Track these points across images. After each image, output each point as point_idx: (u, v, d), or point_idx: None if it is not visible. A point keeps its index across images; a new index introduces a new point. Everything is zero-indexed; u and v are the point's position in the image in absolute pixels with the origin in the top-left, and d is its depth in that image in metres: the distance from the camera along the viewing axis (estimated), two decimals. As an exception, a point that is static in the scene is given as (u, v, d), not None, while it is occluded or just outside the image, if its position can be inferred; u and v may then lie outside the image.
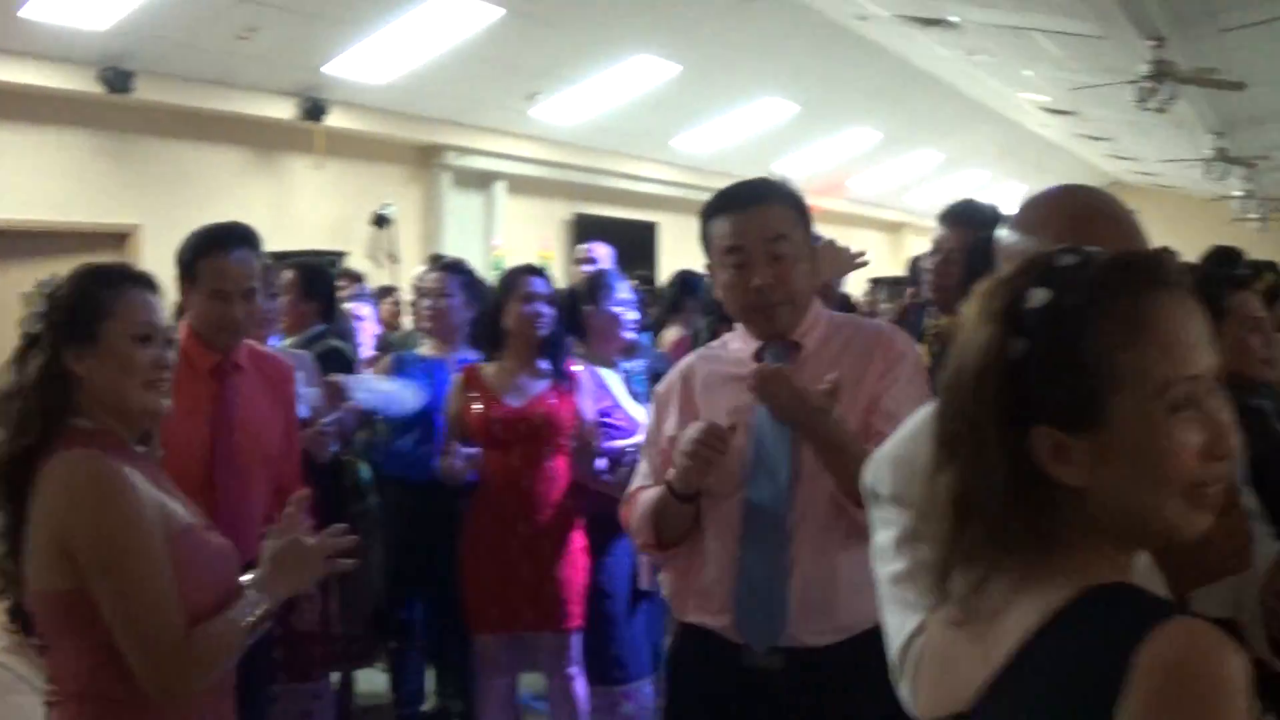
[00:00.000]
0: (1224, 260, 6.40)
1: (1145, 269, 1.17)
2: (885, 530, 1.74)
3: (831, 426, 2.42)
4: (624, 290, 5.07)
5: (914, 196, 19.72)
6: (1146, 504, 1.14)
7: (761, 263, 2.57)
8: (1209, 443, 1.14)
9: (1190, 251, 10.34)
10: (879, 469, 1.76)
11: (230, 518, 3.32)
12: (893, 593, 1.66)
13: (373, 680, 5.70)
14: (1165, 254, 1.27)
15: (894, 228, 21.58)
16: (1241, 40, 10.75)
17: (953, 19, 10.70)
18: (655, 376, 5.74)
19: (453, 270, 5.39)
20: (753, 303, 2.59)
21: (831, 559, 2.45)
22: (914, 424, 1.77)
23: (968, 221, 3.46)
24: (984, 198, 12.64)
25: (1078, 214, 1.69)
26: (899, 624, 1.60)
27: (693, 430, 2.52)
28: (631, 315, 5.09)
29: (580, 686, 4.59)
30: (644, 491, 2.70)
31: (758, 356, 2.66)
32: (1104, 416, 1.12)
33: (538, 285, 4.56)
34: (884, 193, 19.08)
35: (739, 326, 2.80)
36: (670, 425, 2.76)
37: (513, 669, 4.70)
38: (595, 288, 5.02)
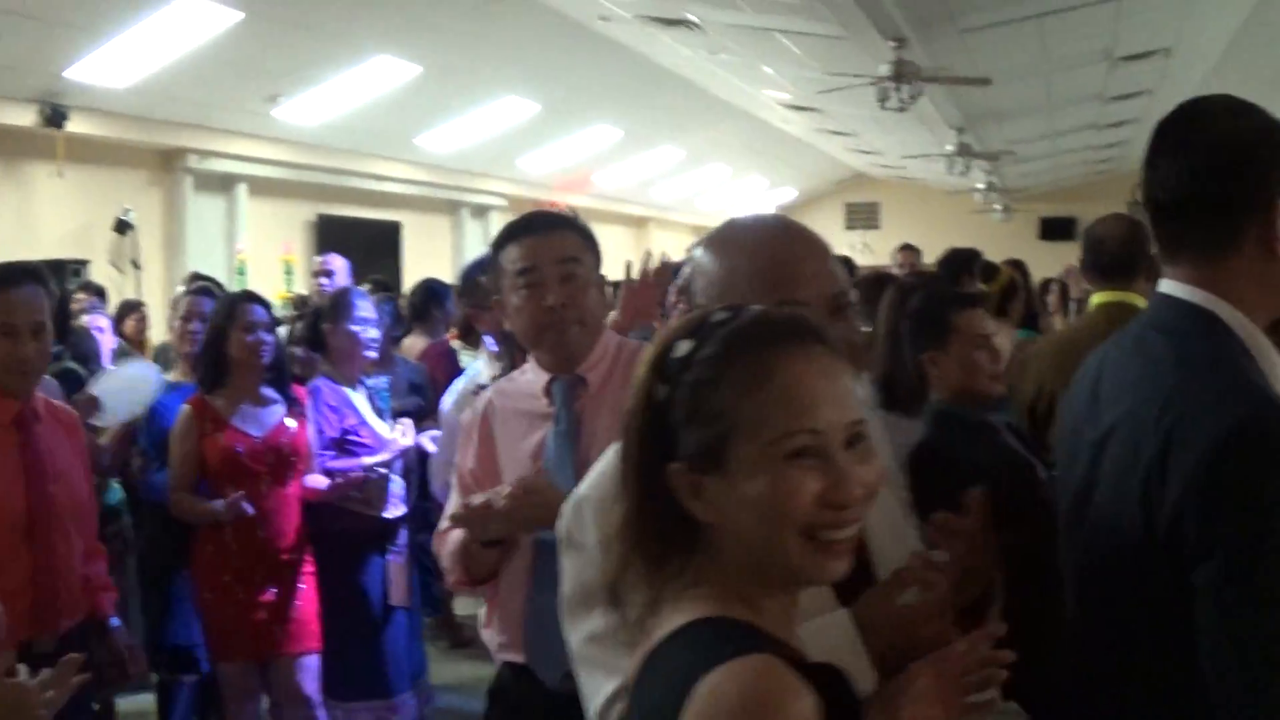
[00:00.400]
0: (960, 262, 7.49)
1: (780, 327, 1.54)
2: (572, 579, 2.05)
3: None
4: (365, 308, 5.66)
5: (658, 191, 22.36)
6: (769, 543, 1.49)
7: (554, 282, 3.02)
8: (826, 491, 1.48)
9: (934, 242, 13.20)
10: (577, 512, 2.05)
11: (49, 575, 3.71)
12: (588, 652, 1.98)
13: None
14: (801, 315, 1.59)
15: (639, 222, 24.00)
16: (981, 40, 12.60)
17: (694, 20, 12.18)
18: (412, 387, 6.45)
19: (209, 294, 6.13)
20: (545, 322, 3.05)
21: None
22: (605, 462, 2.07)
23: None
24: (727, 190, 15.83)
25: (777, 253, 2.06)
26: (596, 686, 1.92)
27: (510, 487, 2.91)
28: (372, 333, 5.65)
29: (321, 714, 5.21)
30: (453, 532, 3.13)
31: (547, 390, 3.14)
32: (730, 460, 1.48)
33: (258, 314, 5.17)
34: (628, 188, 21.36)
35: (531, 358, 3.20)
36: (469, 459, 3.25)
37: (257, 694, 5.23)
38: (335, 306, 5.71)
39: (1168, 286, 2.08)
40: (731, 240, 2.16)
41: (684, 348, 1.56)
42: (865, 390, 4.21)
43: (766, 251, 2.08)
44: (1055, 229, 27.64)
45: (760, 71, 15.05)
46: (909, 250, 8.95)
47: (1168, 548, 1.86)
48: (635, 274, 4.69)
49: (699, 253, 2.15)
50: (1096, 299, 4.67)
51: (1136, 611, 1.97)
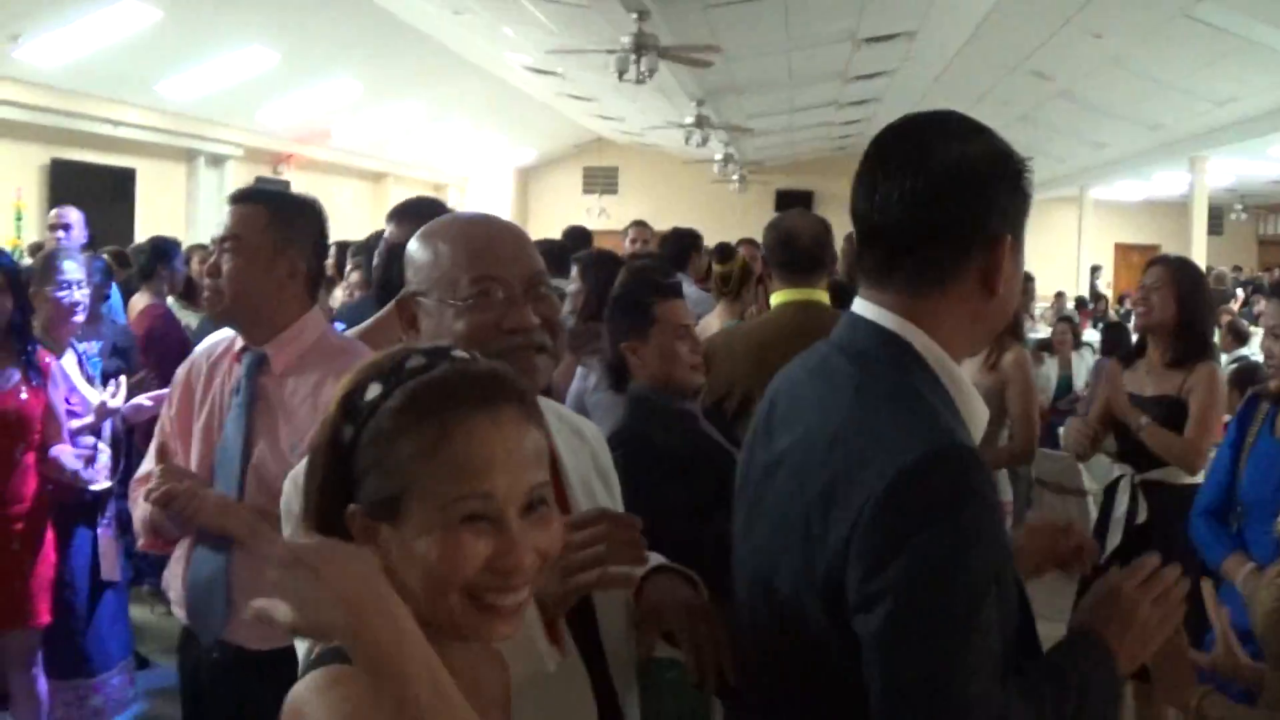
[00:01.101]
0: (682, 243, 7.76)
1: (468, 386, 1.51)
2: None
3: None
4: (71, 270, 5.49)
5: (397, 147, 22.14)
6: (432, 601, 1.47)
7: (218, 257, 3.18)
8: (495, 556, 1.47)
9: (671, 209, 13.85)
10: (295, 485, 2.00)
11: None
12: None
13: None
14: (496, 371, 1.55)
15: (377, 177, 23.71)
16: (724, 16, 12.78)
17: None
18: (115, 350, 6.18)
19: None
20: (209, 297, 3.23)
21: None
22: None
23: (416, 217, 3.66)
24: (466, 149, 16.02)
25: (479, 238, 2.15)
26: (303, 648, 1.86)
27: (154, 480, 3.04)
28: (79, 295, 5.48)
29: (42, 684, 5.06)
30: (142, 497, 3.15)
31: (237, 358, 3.24)
32: (404, 513, 1.47)
33: None
34: (367, 143, 21.12)
35: None
36: (172, 406, 3.36)
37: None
38: (41, 270, 5.55)
39: (863, 308, 1.95)
40: (439, 230, 2.21)
41: (374, 391, 1.53)
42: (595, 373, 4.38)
43: (470, 237, 2.17)
44: (791, 201, 28.28)
45: (502, 33, 15.15)
46: (641, 226, 9.12)
47: (825, 590, 1.78)
48: None
49: (411, 245, 2.22)
50: (783, 296, 4.59)
51: (794, 645, 1.89)
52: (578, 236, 8.48)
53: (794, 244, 4.50)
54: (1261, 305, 6.61)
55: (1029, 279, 15.68)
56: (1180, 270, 5.07)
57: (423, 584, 1.48)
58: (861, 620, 1.73)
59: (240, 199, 3.27)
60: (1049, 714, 1.79)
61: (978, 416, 1.94)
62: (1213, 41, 12.95)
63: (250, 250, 3.14)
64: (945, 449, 1.75)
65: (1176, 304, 4.92)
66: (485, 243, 2.17)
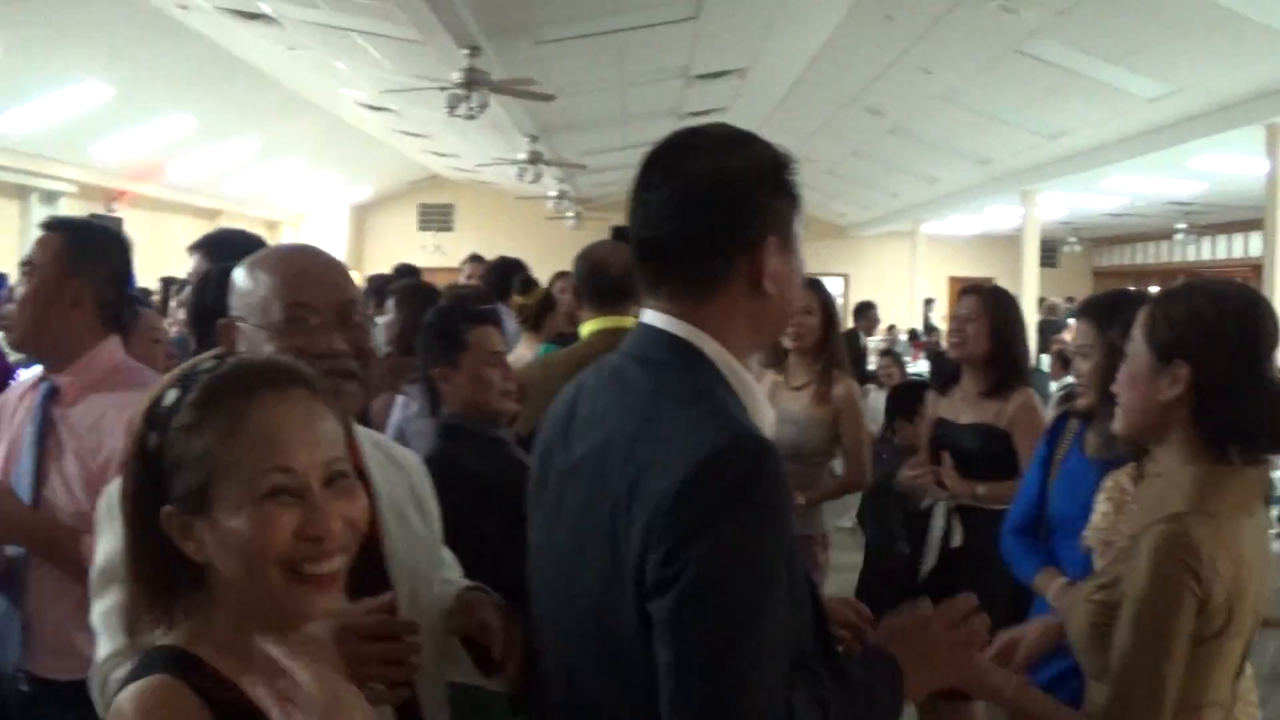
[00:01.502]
0: (505, 273, 7.75)
1: (257, 373, 1.62)
2: (100, 556, 2.18)
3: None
4: None
5: (231, 184, 21.86)
6: (252, 578, 1.56)
7: (20, 285, 3.21)
8: (303, 526, 1.56)
9: (507, 247, 13.33)
10: (109, 496, 2.13)
11: None
12: (102, 624, 2.12)
13: None
14: (281, 360, 1.72)
15: (212, 214, 22.97)
16: (556, 52, 12.84)
17: (272, 14, 12.12)
18: None
19: None
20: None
21: (73, 599, 2.70)
22: None
23: (214, 250, 3.92)
24: (301, 186, 15.78)
25: (295, 267, 2.26)
26: (104, 649, 2.07)
27: None
28: None
29: None
30: None
31: (35, 385, 3.26)
32: (214, 502, 1.55)
33: None
34: (201, 179, 20.69)
35: None
36: None
37: None
38: None
39: (650, 318, 2.02)
40: (260, 259, 2.31)
41: (171, 396, 1.62)
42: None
43: (287, 265, 2.29)
44: (628, 238, 28.46)
45: (336, 69, 15.07)
46: (476, 261, 9.13)
47: (634, 583, 1.82)
48: None
49: (235, 273, 2.30)
50: (594, 325, 4.61)
51: (605, 642, 1.92)
52: (407, 273, 8.52)
53: (604, 274, 4.51)
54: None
55: (871, 306, 15.87)
56: (994, 300, 5.14)
57: (241, 565, 1.57)
58: (656, 604, 1.78)
59: (43, 226, 3.27)
60: (832, 717, 1.86)
61: (765, 416, 2.00)
62: (1042, 76, 13.20)
63: (40, 277, 3.15)
64: (740, 439, 1.82)
65: (990, 334, 5.00)
66: (300, 271, 2.29)
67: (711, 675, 1.75)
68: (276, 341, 2.18)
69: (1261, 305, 2.41)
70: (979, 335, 5.00)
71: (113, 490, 2.07)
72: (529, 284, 7.24)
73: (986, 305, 5.06)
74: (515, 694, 2.25)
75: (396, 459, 2.41)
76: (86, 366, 3.16)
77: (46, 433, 3.13)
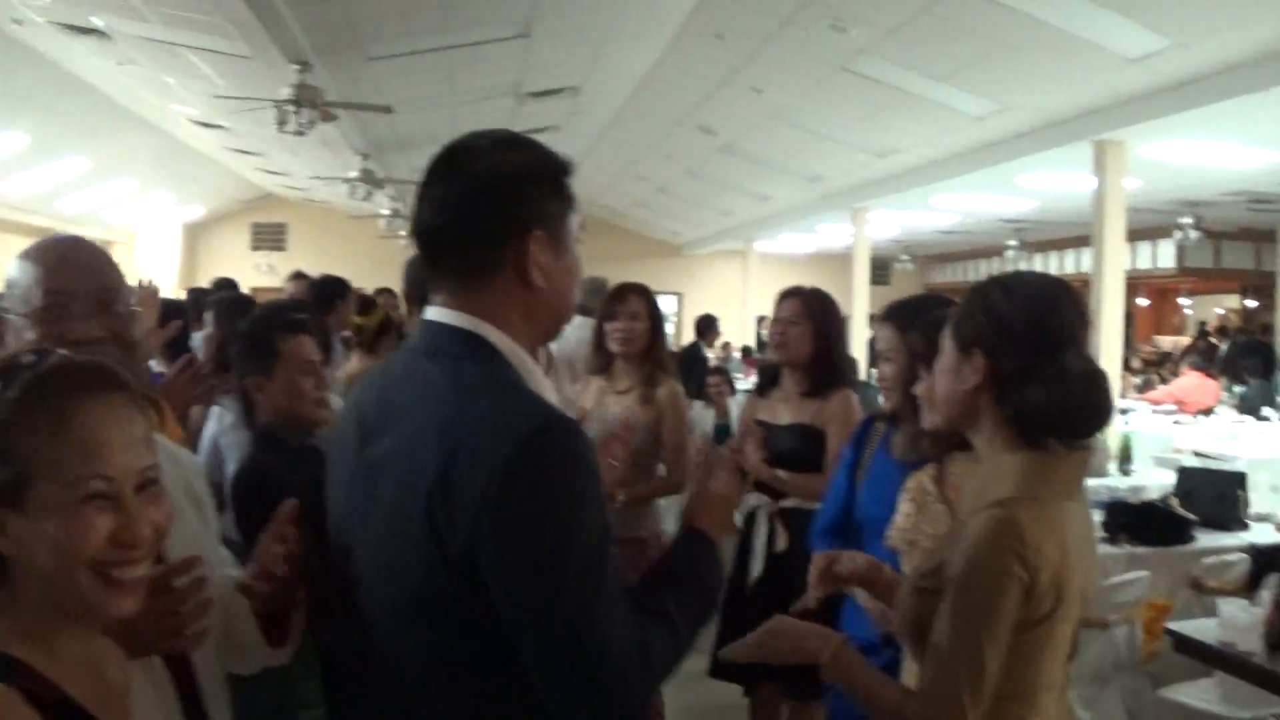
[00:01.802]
0: (329, 291, 7.71)
1: (80, 374, 1.63)
2: None
3: None
4: None
5: (65, 202, 21.60)
6: (61, 578, 1.58)
7: None
8: (117, 531, 1.59)
9: (340, 266, 13.39)
10: None
11: None
12: None
13: None
14: (102, 363, 1.71)
15: (44, 233, 22.37)
16: (388, 69, 12.86)
17: (104, 29, 11.99)
18: None
19: None
20: None
21: None
22: None
23: None
24: (134, 204, 15.51)
25: (57, 257, 2.38)
26: None
27: None
28: None
29: None
30: None
31: None
32: (30, 498, 1.56)
33: None
34: (33, 197, 20.45)
35: None
36: None
37: None
38: None
39: (435, 313, 2.15)
40: (28, 252, 2.44)
41: None
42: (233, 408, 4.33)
43: (48, 253, 2.43)
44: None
45: (168, 85, 14.90)
46: (300, 279, 9.07)
47: (462, 568, 1.92)
48: None
49: (10, 268, 2.44)
50: None
51: (430, 630, 2.02)
52: (225, 286, 8.58)
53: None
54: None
55: (714, 320, 15.99)
56: (815, 302, 5.28)
57: (52, 563, 1.59)
58: (499, 583, 1.91)
59: None
60: (681, 622, 2.06)
61: (553, 401, 2.11)
62: (871, 95, 13.35)
63: None
64: (553, 421, 1.96)
65: (813, 336, 5.15)
66: (59, 258, 2.43)
67: (574, 640, 1.89)
68: (38, 329, 2.29)
69: (1057, 294, 2.51)
70: (802, 338, 5.14)
71: None
72: (368, 304, 7.25)
73: (809, 307, 5.20)
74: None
75: (175, 456, 2.43)
76: None
77: None
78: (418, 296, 4.74)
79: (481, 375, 2.04)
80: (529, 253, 2.09)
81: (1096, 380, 2.45)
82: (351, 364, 6.76)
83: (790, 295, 5.37)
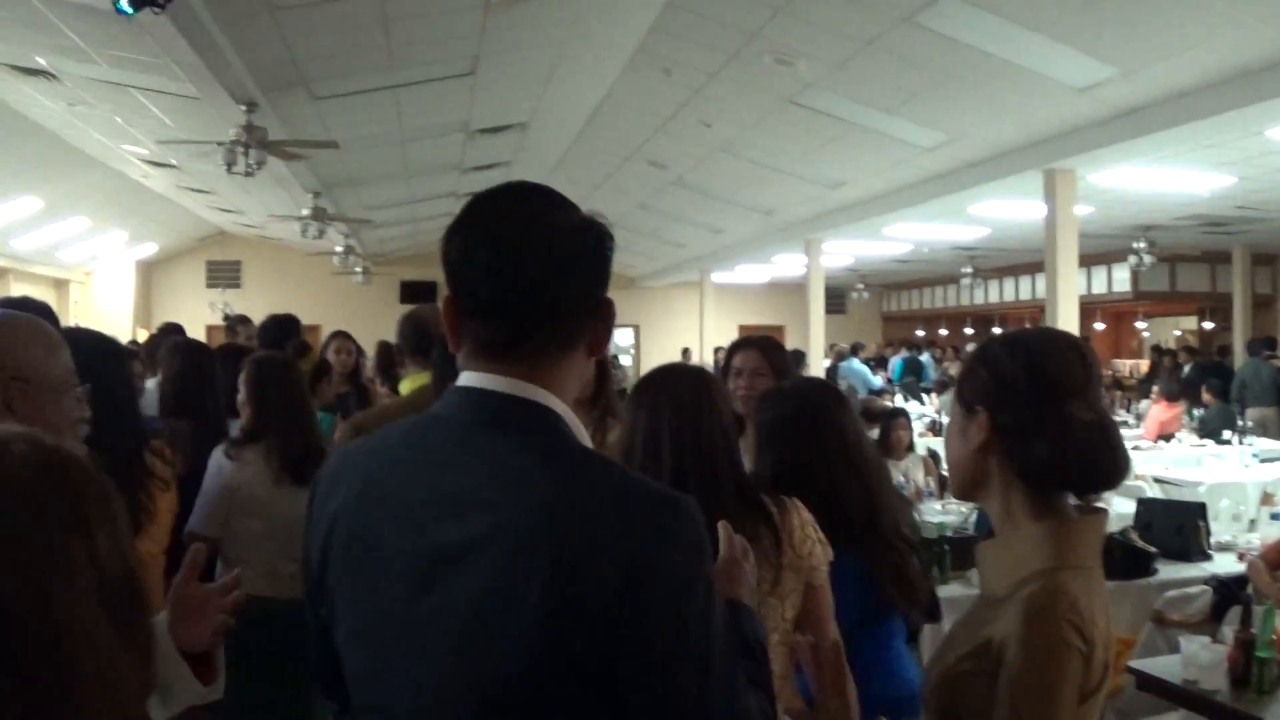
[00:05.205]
0: (280, 330, 7.81)
1: None
2: None
3: None
4: None
5: (17, 241, 21.43)
6: None
7: None
8: None
9: (296, 303, 13.60)
10: None
11: None
12: None
13: None
14: None
15: None
16: (334, 107, 12.78)
17: (51, 70, 11.90)
18: None
19: None
20: None
21: None
22: None
23: None
24: (87, 243, 15.21)
25: None
26: None
27: None
28: None
29: None
30: None
31: None
32: None
33: None
34: (-16, 238, 20.14)
35: None
36: None
37: None
38: None
39: (488, 381, 1.96)
40: None
41: None
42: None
43: None
44: (416, 291, 28.60)
45: (117, 125, 14.77)
46: (245, 323, 9.14)
47: (588, 657, 1.76)
48: None
49: None
50: (419, 379, 4.83)
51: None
52: (174, 331, 8.76)
53: (427, 332, 4.82)
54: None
55: (686, 352, 15.98)
56: (769, 349, 5.23)
57: None
58: (646, 677, 1.77)
59: None
60: (759, 680, 2.04)
61: None
62: (820, 127, 13.37)
63: None
64: (680, 498, 1.84)
65: (774, 382, 5.01)
66: None
67: (714, 712, 1.81)
68: None
69: (1060, 346, 2.44)
70: (766, 385, 4.98)
71: None
72: (303, 349, 7.07)
73: (769, 357, 5.14)
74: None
75: None
76: None
77: None
78: (420, 350, 4.84)
79: (565, 451, 1.92)
80: (609, 323, 2.04)
81: (1105, 432, 2.36)
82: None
83: (745, 346, 5.29)
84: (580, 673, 1.76)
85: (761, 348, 5.23)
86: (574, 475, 1.86)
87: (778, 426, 4.02)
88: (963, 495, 2.56)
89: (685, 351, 27.31)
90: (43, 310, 3.45)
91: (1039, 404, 2.34)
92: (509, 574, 1.78)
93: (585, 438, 1.98)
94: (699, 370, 3.70)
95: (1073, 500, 2.39)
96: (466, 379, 1.98)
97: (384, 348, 9.05)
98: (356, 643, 1.98)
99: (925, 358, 25.69)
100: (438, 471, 1.92)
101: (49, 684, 1.29)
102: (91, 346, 3.86)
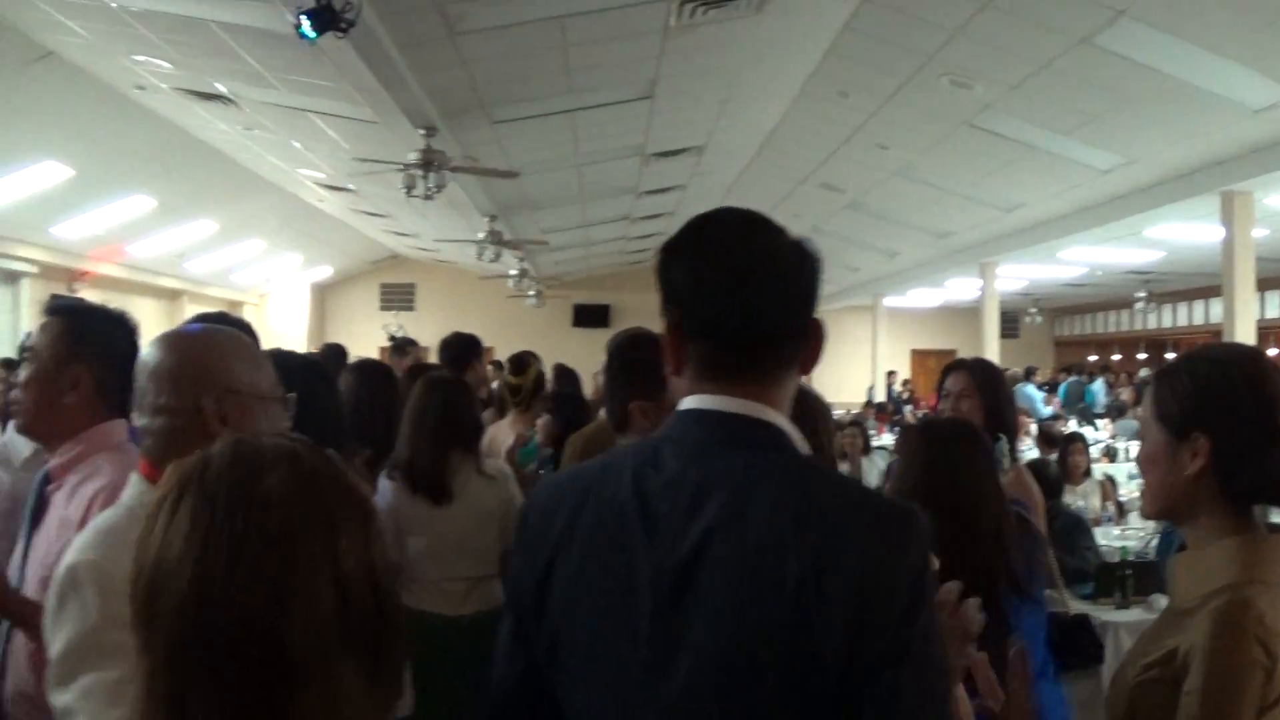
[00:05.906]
0: (460, 349, 7.66)
1: None
2: (67, 639, 2.18)
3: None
4: None
5: (193, 264, 21.81)
6: None
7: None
8: None
9: (469, 326, 13.38)
10: (71, 576, 2.22)
11: None
12: (79, 705, 2.14)
13: None
14: None
15: (173, 295, 23.19)
16: (513, 132, 12.93)
17: (229, 95, 12.17)
18: None
19: None
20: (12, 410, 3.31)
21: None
22: (98, 528, 2.35)
23: None
24: (262, 266, 16.23)
25: None
26: None
27: None
28: None
29: None
30: None
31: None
32: None
33: None
34: (161, 259, 20.65)
35: None
36: None
37: None
38: None
39: (719, 403, 1.97)
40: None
41: None
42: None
43: None
44: (589, 315, 28.64)
45: (294, 149, 15.05)
46: (413, 345, 9.30)
47: (838, 661, 1.78)
48: None
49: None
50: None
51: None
52: (336, 353, 8.76)
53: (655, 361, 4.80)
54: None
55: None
56: (982, 373, 5.04)
57: None
58: (877, 679, 1.78)
59: (46, 311, 3.33)
60: None
61: None
62: (997, 149, 13.27)
63: (40, 361, 3.18)
64: (913, 509, 1.89)
65: (983, 410, 4.83)
66: None
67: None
68: None
69: (1263, 362, 2.39)
70: (972, 412, 4.82)
71: (61, 575, 2.18)
72: (522, 364, 7.22)
73: (976, 380, 4.94)
74: None
75: None
76: (73, 449, 3.13)
77: (39, 513, 3.12)
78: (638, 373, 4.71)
79: (808, 469, 1.96)
80: (817, 342, 2.06)
81: None
82: (508, 421, 6.87)
83: (957, 368, 5.07)
84: (834, 674, 1.80)
85: (970, 370, 5.04)
86: (828, 491, 1.91)
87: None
88: (1161, 518, 2.52)
89: (890, 374, 27.08)
90: (241, 326, 3.59)
91: (1263, 423, 2.30)
92: (761, 579, 1.82)
93: (806, 448, 2.02)
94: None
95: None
96: (695, 401, 2.00)
97: (561, 371, 9.19)
98: (588, 662, 1.97)
99: (1097, 384, 25.15)
100: (678, 490, 1.93)
101: (271, 699, 1.33)
102: (298, 364, 4.00)
